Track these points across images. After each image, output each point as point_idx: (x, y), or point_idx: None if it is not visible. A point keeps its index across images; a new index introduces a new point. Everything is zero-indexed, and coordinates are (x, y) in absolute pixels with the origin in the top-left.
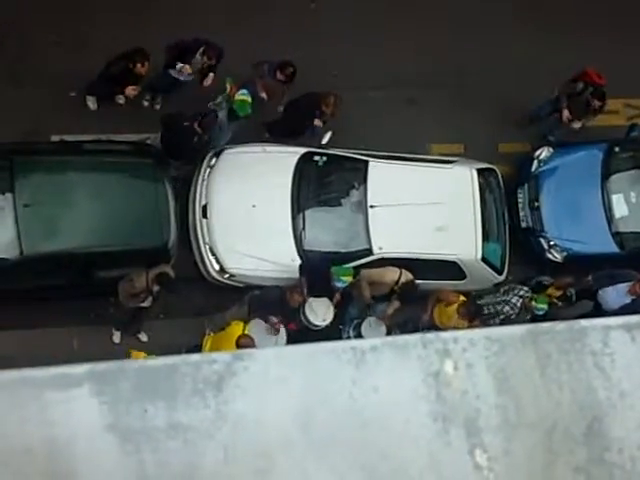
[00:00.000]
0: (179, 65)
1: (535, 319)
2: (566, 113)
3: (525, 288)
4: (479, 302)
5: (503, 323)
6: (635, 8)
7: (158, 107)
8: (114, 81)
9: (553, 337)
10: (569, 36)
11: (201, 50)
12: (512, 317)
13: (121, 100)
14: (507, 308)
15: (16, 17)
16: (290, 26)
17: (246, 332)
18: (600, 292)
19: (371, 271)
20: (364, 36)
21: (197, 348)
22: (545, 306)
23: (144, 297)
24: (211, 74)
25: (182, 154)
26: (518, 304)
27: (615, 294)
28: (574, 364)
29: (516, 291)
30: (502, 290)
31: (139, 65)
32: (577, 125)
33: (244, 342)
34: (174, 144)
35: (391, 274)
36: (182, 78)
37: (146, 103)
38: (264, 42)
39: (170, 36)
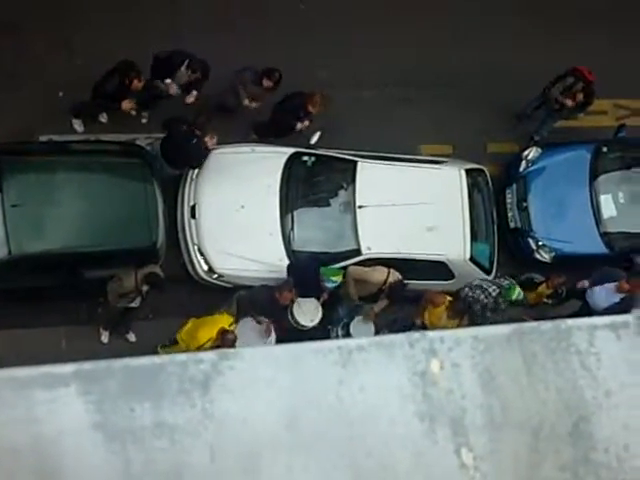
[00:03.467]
0: (167, 81)
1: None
2: (561, 98)
3: (507, 281)
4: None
5: (482, 312)
6: (626, 10)
7: (145, 121)
8: (109, 98)
9: (539, 336)
10: (558, 38)
11: (186, 64)
12: (488, 306)
13: (103, 119)
14: (482, 296)
15: (5, 19)
16: (280, 27)
17: (232, 328)
18: (588, 291)
19: (358, 269)
20: (353, 37)
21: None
22: (514, 297)
23: (133, 297)
24: (194, 92)
25: (178, 159)
26: (494, 294)
27: (604, 293)
28: (560, 363)
29: (500, 281)
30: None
31: (135, 81)
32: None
33: (226, 337)
34: (172, 148)
35: (379, 274)
36: (172, 92)
37: (134, 112)
38: (254, 43)
39: (160, 38)
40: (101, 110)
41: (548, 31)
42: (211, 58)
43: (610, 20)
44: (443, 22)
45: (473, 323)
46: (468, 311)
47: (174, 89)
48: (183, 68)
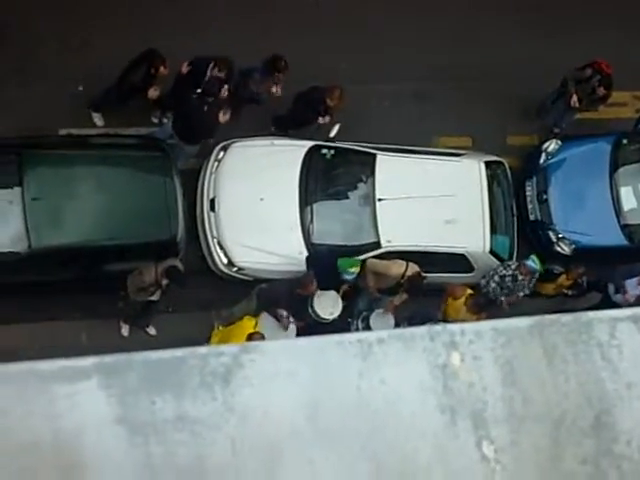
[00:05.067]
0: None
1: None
2: (574, 98)
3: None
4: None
5: (500, 286)
6: None
7: (166, 120)
8: (134, 89)
9: (559, 329)
10: (577, 30)
11: (211, 67)
12: (507, 279)
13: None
14: (501, 268)
15: (22, 13)
16: (296, 20)
17: (257, 329)
18: (610, 286)
19: (376, 262)
20: (372, 30)
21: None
22: (537, 264)
23: (153, 291)
24: (225, 85)
25: (191, 130)
26: (513, 266)
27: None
28: (581, 356)
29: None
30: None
31: (162, 68)
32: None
33: (256, 339)
34: (187, 124)
35: (397, 267)
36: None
37: (155, 120)
38: (270, 36)
39: (178, 31)
40: (125, 101)
41: (566, 24)
42: (230, 52)
43: (629, 11)
44: (462, 16)
45: (490, 302)
46: (488, 305)
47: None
48: (209, 72)
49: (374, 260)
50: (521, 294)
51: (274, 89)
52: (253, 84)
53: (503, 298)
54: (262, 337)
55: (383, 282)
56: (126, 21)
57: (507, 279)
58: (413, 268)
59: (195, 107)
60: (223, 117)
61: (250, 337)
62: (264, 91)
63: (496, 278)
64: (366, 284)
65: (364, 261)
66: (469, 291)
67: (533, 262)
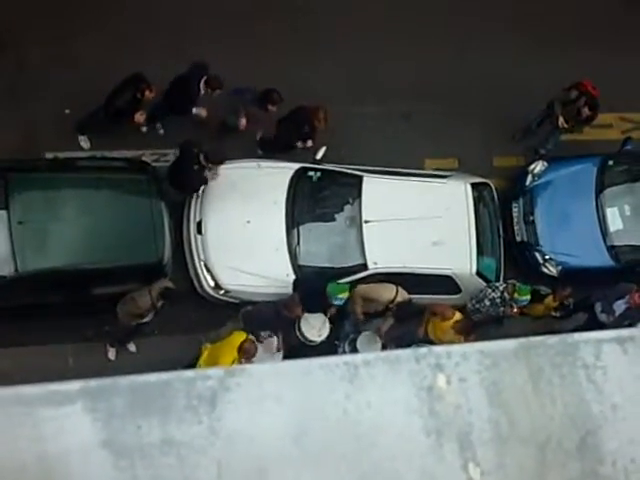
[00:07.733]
0: (194, 111)
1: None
2: (561, 119)
3: (512, 281)
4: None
5: (488, 308)
6: (629, 24)
7: (162, 132)
8: (120, 114)
9: (545, 351)
10: (563, 51)
11: (203, 82)
12: (497, 301)
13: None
14: (489, 291)
15: (11, 35)
16: (283, 41)
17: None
18: (597, 306)
19: (367, 287)
20: (358, 51)
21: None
22: (527, 297)
23: (147, 314)
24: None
25: (183, 182)
26: (501, 288)
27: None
28: (566, 378)
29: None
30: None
31: (147, 92)
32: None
33: (247, 346)
34: (179, 169)
35: (388, 292)
36: (204, 115)
37: (144, 129)
38: (256, 58)
39: (163, 52)
40: (111, 124)
41: (552, 45)
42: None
43: (614, 33)
44: (448, 38)
45: (478, 325)
46: (476, 328)
47: (204, 112)
48: (202, 88)
49: (364, 285)
50: (509, 302)
51: (245, 124)
52: (242, 104)
53: (502, 308)
54: (254, 345)
55: (372, 306)
56: (114, 45)
57: (497, 301)
58: (403, 294)
59: (188, 164)
60: (212, 176)
61: (242, 345)
62: (244, 115)
63: (487, 302)
64: (354, 309)
65: (353, 285)
66: (458, 313)
67: (525, 300)
